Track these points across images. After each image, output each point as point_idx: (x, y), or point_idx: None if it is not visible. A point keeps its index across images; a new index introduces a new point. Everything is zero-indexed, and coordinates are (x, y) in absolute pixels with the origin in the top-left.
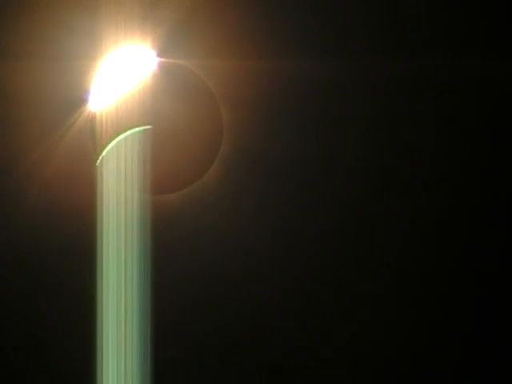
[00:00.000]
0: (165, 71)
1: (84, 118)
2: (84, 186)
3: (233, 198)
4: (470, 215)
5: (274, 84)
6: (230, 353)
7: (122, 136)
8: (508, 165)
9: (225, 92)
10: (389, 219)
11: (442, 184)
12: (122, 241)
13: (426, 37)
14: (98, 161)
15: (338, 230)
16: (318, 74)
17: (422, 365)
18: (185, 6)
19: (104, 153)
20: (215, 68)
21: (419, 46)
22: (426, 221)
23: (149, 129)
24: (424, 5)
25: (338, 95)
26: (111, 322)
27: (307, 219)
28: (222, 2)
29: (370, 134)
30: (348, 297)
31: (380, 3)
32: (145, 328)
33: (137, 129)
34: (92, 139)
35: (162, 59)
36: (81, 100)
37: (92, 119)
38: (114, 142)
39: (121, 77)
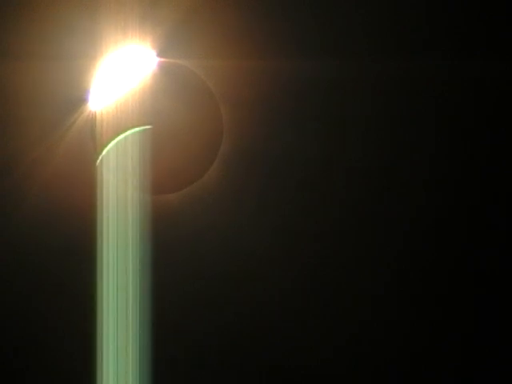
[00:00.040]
0: (165, 71)
1: (84, 118)
2: (84, 185)
3: (233, 198)
4: (469, 215)
5: (273, 84)
6: (230, 353)
7: (121, 136)
8: (508, 165)
9: (225, 92)
10: (389, 219)
11: (441, 184)
12: (122, 241)
13: (426, 37)
14: (98, 161)
15: (337, 230)
16: (318, 74)
17: (422, 365)
18: (185, 5)
19: (104, 153)
20: (215, 68)
21: (419, 46)
22: (426, 221)
23: (149, 129)
24: (424, 5)
25: (338, 95)
26: (111, 322)
27: (307, 219)
28: (221, 1)
29: (370, 134)
30: (348, 297)
31: (380, 3)
32: (145, 328)
33: (137, 129)
34: (92, 139)
35: (162, 59)
36: (81, 100)
37: (92, 119)
38: (113, 142)
39: (121, 77)
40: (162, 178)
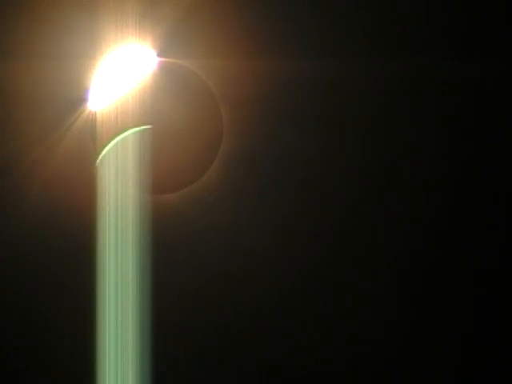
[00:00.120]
0: (165, 71)
1: (84, 118)
2: (84, 185)
3: (233, 198)
4: (470, 215)
5: (273, 84)
6: (230, 353)
7: (122, 136)
8: (508, 165)
9: (225, 92)
10: (389, 219)
11: (442, 184)
12: (122, 241)
13: (426, 37)
14: (98, 161)
15: (337, 230)
16: (318, 74)
17: (422, 365)
18: (184, 5)
19: (104, 153)
20: (215, 68)
21: (419, 45)
22: (426, 221)
23: (149, 129)
24: (424, 5)
25: (338, 95)
26: (111, 322)
27: (307, 219)
28: (222, 1)
29: (370, 134)
30: (348, 297)
31: (380, 3)
32: (145, 328)
33: (137, 129)
34: (92, 139)
35: (162, 59)
36: (81, 100)
37: (92, 119)
38: (113, 142)
39: (121, 77)
40: (162, 178)
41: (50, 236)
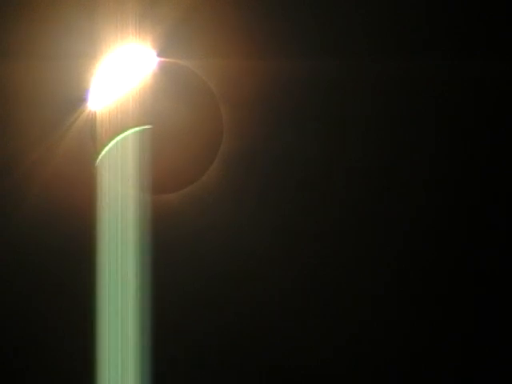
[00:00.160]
0: (165, 71)
1: (84, 118)
2: (84, 185)
3: (233, 198)
4: (470, 215)
5: (273, 84)
6: (230, 353)
7: (122, 136)
8: (508, 165)
9: (225, 92)
10: (389, 219)
11: (442, 184)
12: (122, 241)
13: (426, 37)
14: (98, 161)
15: (337, 230)
16: (318, 74)
17: (422, 365)
18: (185, 5)
19: (104, 153)
20: (215, 68)
21: (419, 46)
22: (426, 221)
23: (149, 129)
24: (424, 5)
25: (338, 95)
26: (111, 322)
27: (307, 219)
28: (222, 1)
29: (370, 134)
30: (348, 297)
31: (380, 3)
32: (145, 328)
33: (137, 129)
34: (92, 139)
35: (162, 59)
36: (81, 100)
37: (92, 119)
38: (113, 142)
39: (121, 77)
40: (162, 177)
41: (49, 236)
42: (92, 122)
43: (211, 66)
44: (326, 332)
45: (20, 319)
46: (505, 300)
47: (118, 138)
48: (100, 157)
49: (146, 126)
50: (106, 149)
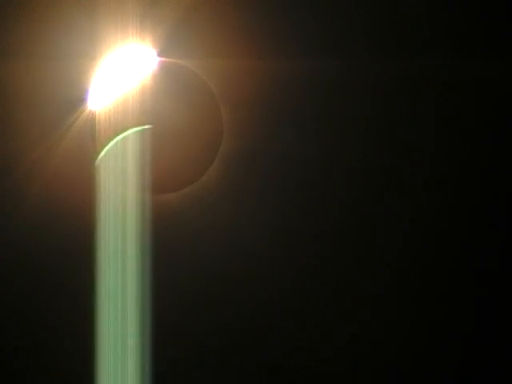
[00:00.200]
0: (165, 71)
1: (84, 118)
2: (84, 185)
3: (233, 198)
4: (470, 215)
5: (273, 84)
6: (230, 353)
7: (121, 136)
8: (508, 165)
9: (225, 92)
10: (389, 219)
11: (442, 184)
12: (122, 241)
13: (426, 37)
14: (98, 161)
15: (337, 230)
16: (318, 74)
17: (422, 365)
18: (185, 5)
19: (104, 153)
20: (215, 68)
21: (419, 46)
22: (426, 221)
23: (149, 129)
24: (424, 5)
25: (338, 95)
26: (111, 321)
27: (307, 219)
28: (222, 1)
29: (370, 134)
30: (348, 297)
31: (380, 3)
32: (145, 328)
33: (137, 129)
34: (92, 139)
35: (163, 59)
36: (81, 100)
37: (92, 119)
38: (113, 142)
39: (121, 77)
40: (162, 177)
41: (50, 236)
42: (92, 121)
43: (211, 66)
44: (325, 332)
45: (20, 319)
46: (505, 300)
47: (118, 138)
48: (100, 157)
49: (146, 126)
50: (106, 149)
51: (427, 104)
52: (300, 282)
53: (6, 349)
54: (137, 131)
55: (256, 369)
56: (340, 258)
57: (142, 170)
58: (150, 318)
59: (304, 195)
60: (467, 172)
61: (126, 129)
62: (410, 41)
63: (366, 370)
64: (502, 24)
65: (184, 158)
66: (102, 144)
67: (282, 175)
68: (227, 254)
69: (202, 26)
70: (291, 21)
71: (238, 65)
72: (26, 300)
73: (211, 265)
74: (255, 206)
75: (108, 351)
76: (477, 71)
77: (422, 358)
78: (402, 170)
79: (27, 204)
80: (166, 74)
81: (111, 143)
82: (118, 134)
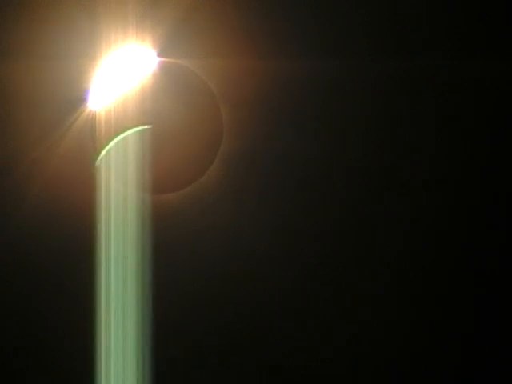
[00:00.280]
0: (165, 71)
1: (84, 118)
2: (84, 185)
3: (233, 198)
4: (470, 215)
5: (274, 84)
6: (230, 353)
7: (121, 136)
8: (508, 165)
9: (225, 92)
10: (389, 219)
11: (442, 184)
12: (122, 241)
13: (426, 37)
14: (98, 161)
15: (338, 230)
16: (318, 74)
17: (422, 365)
18: (185, 5)
19: (104, 153)
20: (215, 68)
21: (419, 46)
22: (426, 221)
23: (149, 129)
24: (424, 5)
25: (338, 95)
26: (111, 321)
27: (307, 219)
28: (222, 1)
29: (370, 134)
30: (348, 297)
31: (380, 3)
32: (145, 328)
33: (137, 129)
34: (92, 139)
35: (162, 59)
36: (81, 100)
37: (92, 119)
38: (113, 142)
39: (121, 77)
40: (162, 177)
41: (50, 236)
42: (92, 121)
43: (211, 66)
44: (326, 332)
45: (20, 319)
46: (505, 300)
47: (118, 138)
48: (100, 157)
49: (146, 126)
50: (106, 149)
51: (427, 104)
52: (300, 282)
53: (5, 349)
54: (137, 131)
55: (256, 369)
56: (340, 257)
57: (142, 170)
58: (150, 318)
59: (304, 195)
60: (467, 172)
61: (126, 129)
62: (410, 41)
63: (365, 369)
64: (502, 24)
65: (184, 158)
66: (102, 144)
67: (282, 175)
68: (227, 254)
69: (202, 26)
70: (291, 21)
71: (238, 65)
72: (25, 300)
73: (211, 265)
74: (255, 205)
75: (108, 351)
76: (477, 71)
77: (422, 358)
78: (402, 170)
79: (27, 204)
80: (166, 73)
81: (111, 143)
82: (118, 134)
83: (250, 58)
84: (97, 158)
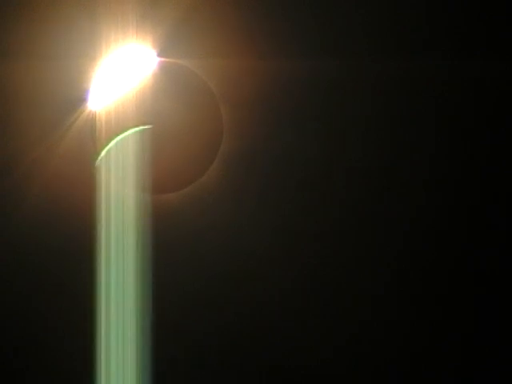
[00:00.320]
0: (165, 71)
1: (84, 118)
2: (84, 185)
3: (233, 198)
4: (469, 215)
5: (273, 84)
6: (230, 353)
7: (121, 136)
8: (508, 165)
9: (225, 92)
10: (389, 219)
11: (442, 184)
12: (122, 241)
13: (426, 37)
14: (98, 161)
15: (337, 230)
16: (318, 74)
17: (422, 365)
18: (185, 5)
19: (104, 153)
20: (215, 68)
21: (419, 45)
22: (426, 221)
23: (149, 129)
24: (424, 5)
25: (338, 95)
26: (111, 321)
27: (307, 219)
28: (222, 1)
29: (370, 134)
30: (348, 297)
31: (380, 3)
32: (145, 328)
33: (137, 129)
34: (92, 139)
35: (162, 59)
36: (81, 100)
37: (92, 119)
38: (113, 142)
39: (121, 77)
40: (162, 177)
41: (50, 236)
42: (92, 121)
43: (211, 66)
44: (326, 332)
45: (20, 319)
46: (505, 300)
47: (118, 138)
48: (100, 157)
49: (146, 126)
50: (106, 149)
51: (427, 104)
52: (300, 281)
53: (5, 349)
54: (137, 131)
55: (256, 369)
56: (340, 257)
57: (142, 170)
58: (150, 318)
59: (304, 195)
60: (467, 172)
61: (126, 129)
62: (410, 41)
63: (365, 369)
64: (502, 24)
65: (184, 158)
66: (102, 144)
67: (282, 175)
68: (227, 254)
69: (202, 26)
70: (291, 21)
71: (238, 65)
72: (26, 300)
73: (211, 265)
74: (255, 205)
75: (108, 351)
76: (477, 71)
77: (422, 358)
78: (402, 170)
79: (27, 204)
80: (166, 73)
81: (111, 143)
82: (118, 134)
83: (250, 58)
84: (97, 158)
